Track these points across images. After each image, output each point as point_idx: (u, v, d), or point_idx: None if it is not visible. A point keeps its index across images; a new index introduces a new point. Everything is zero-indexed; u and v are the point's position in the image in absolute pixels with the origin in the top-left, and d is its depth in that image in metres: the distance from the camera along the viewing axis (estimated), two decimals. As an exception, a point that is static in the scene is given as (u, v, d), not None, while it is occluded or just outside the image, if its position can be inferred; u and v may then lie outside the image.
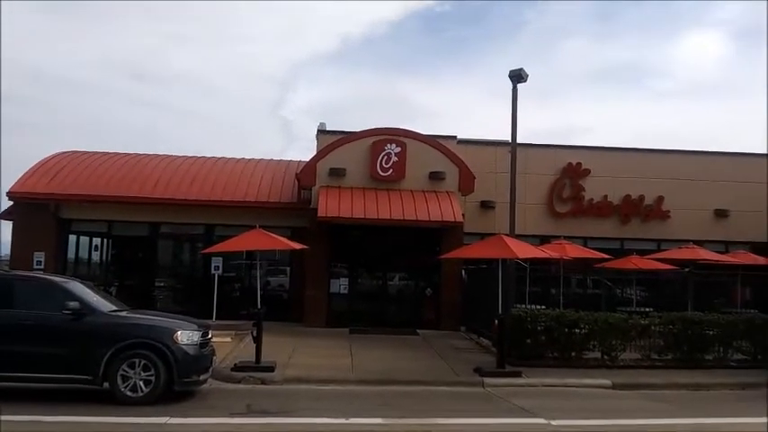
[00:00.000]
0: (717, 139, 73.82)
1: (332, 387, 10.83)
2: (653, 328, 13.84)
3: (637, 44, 68.81)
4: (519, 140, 15.52)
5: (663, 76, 70.46)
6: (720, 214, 21.27)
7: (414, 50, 73.50)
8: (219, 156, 22.29)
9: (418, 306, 19.36)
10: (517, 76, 14.84)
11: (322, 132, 20.05)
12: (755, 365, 13.43)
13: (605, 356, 13.29)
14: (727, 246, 20.56)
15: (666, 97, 68.43)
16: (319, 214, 17.60)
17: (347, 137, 19.20)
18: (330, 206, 17.82)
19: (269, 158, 22.53)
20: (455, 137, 20.05)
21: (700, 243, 18.73)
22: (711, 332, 13.77)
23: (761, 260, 17.97)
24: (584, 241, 20.02)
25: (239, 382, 10.98)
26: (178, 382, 9.10)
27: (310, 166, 18.93)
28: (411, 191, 18.72)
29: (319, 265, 18.52)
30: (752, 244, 20.33)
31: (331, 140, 19.23)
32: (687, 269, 17.35)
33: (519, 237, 14.85)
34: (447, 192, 18.76)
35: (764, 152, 21.70)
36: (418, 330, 17.92)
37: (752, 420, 8.86)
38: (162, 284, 20.37)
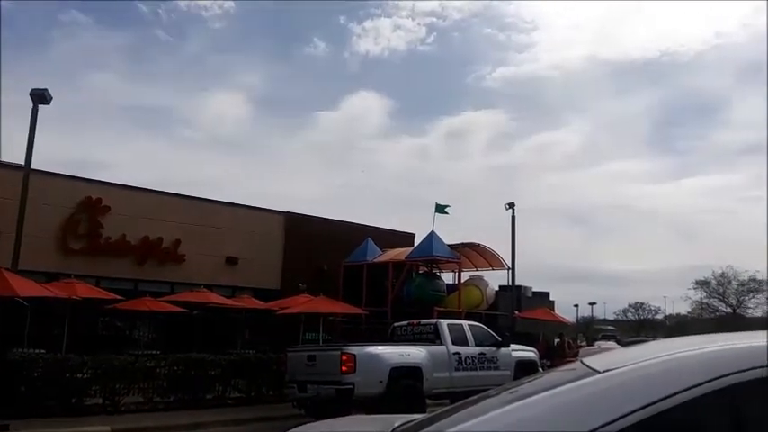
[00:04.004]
0: (229, 191, 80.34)
1: None
2: (158, 369, 13.92)
3: (166, 91, 71.06)
4: (34, 166, 14.09)
5: (188, 125, 74.10)
6: (230, 261, 22.90)
7: None
8: None
9: None
10: (39, 96, 13.57)
11: None
12: (250, 402, 14.66)
13: (107, 402, 12.76)
14: (234, 290, 22.19)
15: (190, 146, 71.92)
16: None
17: None
18: None
19: None
20: (-48, 152, 17.11)
21: (211, 287, 19.86)
22: (213, 372, 14.54)
23: (261, 304, 19.93)
24: (97, 280, 19.10)
25: None
26: None
27: None
28: None
29: None
30: (254, 290, 22.41)
31: None
32: (196, 312, 18.13)
33: (23, 273, 13.33)
34: (-67, 215, 15.74)
35: (269, 207, 24.54)
36: None
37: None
38: None
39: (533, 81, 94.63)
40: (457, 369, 13.77)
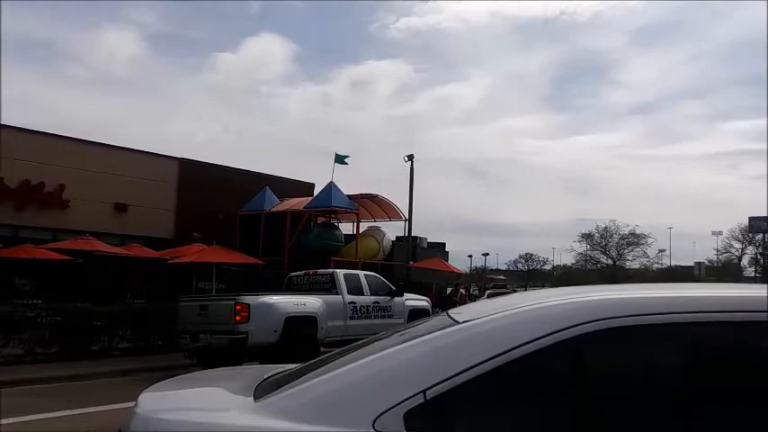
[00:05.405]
0: (121, 133, 76.73)
1: None
2: (40, 320, 13.33)
3: (52, 24, 66.15)
4: None
5: (77, 62, 69.51)
6: (120, 208, 21.89)
7: None
8: None
9: None
10: None
11: None
12: (137, 353, 14.32)
13: (-17, 354, 12.13)
14: (123, 238, 21.32)
15: (79, 84, 67.59)
16: None
17: None
18: None
19: None
20: None
21: (98, 235, 18.97)
22: (99, 323, 14.07)
23: (152, 253, 19.31)
24: (-29, 226, 17.84)
25: None
26: None
27: None
28: None
29: None
30: (145, 238, 21.64)
31: None
32: (81, 260, 17.34)
33: None
34: None
35: (163, 152, 23.61)
36: None
37: (121, 406, 9.26)
38: None
39: (437, 33, 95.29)
40: (352, 318, 14.04)
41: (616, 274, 55.72)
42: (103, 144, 22.15)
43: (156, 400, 2.21)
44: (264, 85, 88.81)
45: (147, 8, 71.96)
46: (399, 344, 1.98)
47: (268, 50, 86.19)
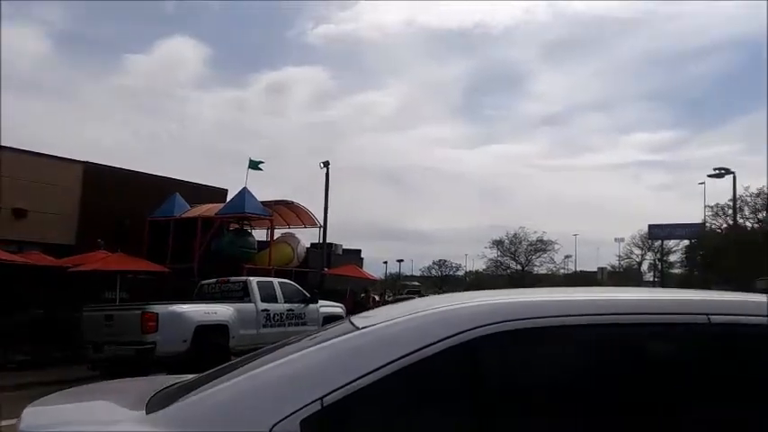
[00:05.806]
0: (22, 136, 72.84)
1: None
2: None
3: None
4: None
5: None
6: (18, 213, 20.72)
7: None
8: None
9: None
10: None
11: None
12: (36, 365, 13.59)
13: None
14: (21, 245, 20.16)
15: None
16: None
17: None
18: None
19: None
20: None
21: (-7, 242, 17.89)
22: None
23: (52, 261, 18.38)
24: None
25: None
26: None
27: None
28: None
29: None
30: (45, 245, 20.54)
31: None
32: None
33: None
34: None
35: (66, 155, 22.54)
36: None
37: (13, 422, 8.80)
38: None
39: (354, 40, 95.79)
40: (265, 326, 13.89)
41: (525, 279, 57.48)
42: (1, 146, 20.90)
43: (41, 416, 2.12)
44: (178, 88, 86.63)
45: (52, 5, 68.62)
46: (299, 351, 1.96)
47: (182, 53, 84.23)
